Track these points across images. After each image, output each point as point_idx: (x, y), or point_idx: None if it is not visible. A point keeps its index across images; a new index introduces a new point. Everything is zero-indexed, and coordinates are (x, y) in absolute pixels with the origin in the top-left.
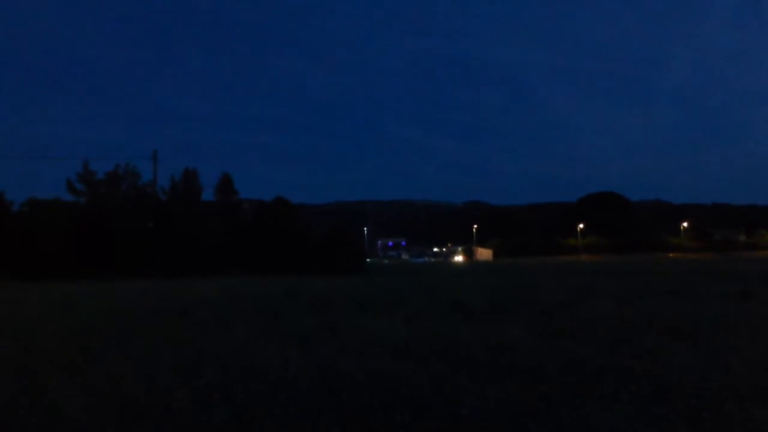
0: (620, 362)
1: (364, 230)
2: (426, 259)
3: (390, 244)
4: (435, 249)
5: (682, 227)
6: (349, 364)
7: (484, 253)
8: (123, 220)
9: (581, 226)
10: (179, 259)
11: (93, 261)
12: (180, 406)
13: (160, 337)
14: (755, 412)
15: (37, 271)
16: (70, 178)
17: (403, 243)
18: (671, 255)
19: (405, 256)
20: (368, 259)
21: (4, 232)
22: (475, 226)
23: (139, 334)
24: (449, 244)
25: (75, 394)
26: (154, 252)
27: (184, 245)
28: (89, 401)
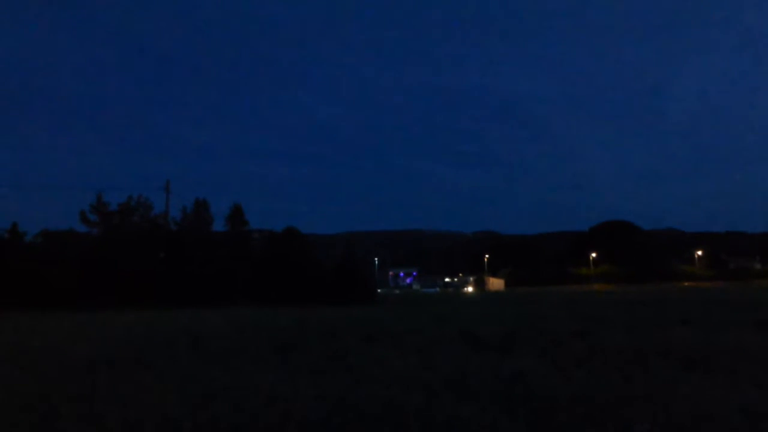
0: (634, 393)
1: (374, 261)
2: (437, 289)
3: (401, 274)
4: (447, 279)
5: (696, 256)
6: (359, 395)
7: (495, 283)
8: (135, 250)
9: (593, 255)
10: (190, 289)
11: (105, 291)
12: None
13: (170, 367)
14: None
15: (49, 301)
16: (83, 209)
17: (414, 273)
18: (685, 284)
19: (416, 287)
20: (379, 290)
21: (17, 263)
22: (486, 255)
23: (150, 364)
24: (460, 274)
25: (85, 424)
26: (166, 282)
27: (195, 275)
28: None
